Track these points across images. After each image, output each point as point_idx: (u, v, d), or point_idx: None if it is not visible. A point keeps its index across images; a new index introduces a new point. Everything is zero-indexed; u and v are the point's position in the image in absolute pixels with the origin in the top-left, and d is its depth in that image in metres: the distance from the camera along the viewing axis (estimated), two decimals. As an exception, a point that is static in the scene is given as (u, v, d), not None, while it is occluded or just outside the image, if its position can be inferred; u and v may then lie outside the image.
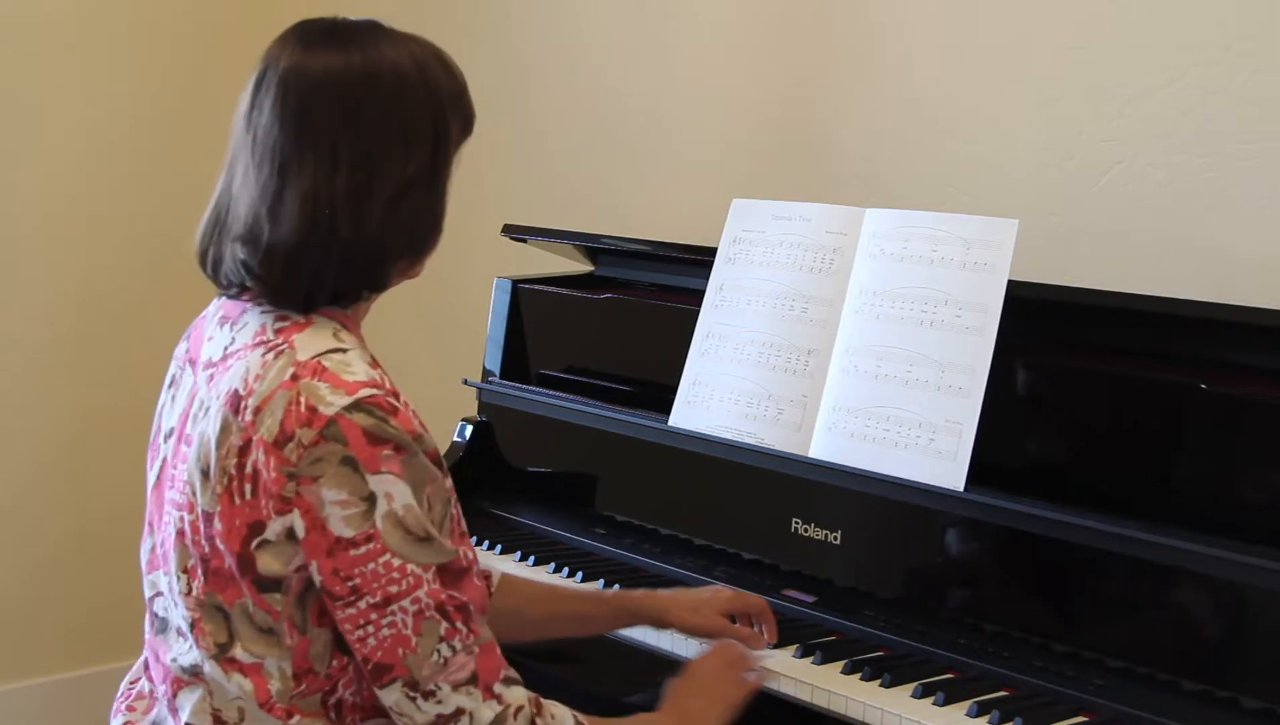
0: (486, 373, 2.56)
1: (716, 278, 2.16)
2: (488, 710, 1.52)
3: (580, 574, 2.16)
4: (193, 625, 1.56)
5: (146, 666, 1.71)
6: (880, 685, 1.77)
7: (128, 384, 3.44)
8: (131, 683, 1.75)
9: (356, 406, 1.48)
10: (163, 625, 1.63)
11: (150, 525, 1.66)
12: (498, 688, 1.54)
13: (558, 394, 2.39)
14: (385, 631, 1.49)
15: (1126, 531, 1.70)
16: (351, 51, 1.55)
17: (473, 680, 1.52)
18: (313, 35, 1.57)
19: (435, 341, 3.32)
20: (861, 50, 2.60)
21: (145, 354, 3.40)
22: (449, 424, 2.49)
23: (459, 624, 1.52)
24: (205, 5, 3.52)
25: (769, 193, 2.31)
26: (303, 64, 1.54)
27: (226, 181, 1.59)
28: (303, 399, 1.49)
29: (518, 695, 1.55)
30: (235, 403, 1.52)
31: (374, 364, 1.55)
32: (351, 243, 1.53)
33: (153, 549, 1.65)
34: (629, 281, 2.53)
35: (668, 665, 1.86)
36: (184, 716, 1.58)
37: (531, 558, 2.22)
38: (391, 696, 1.52)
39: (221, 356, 1.58)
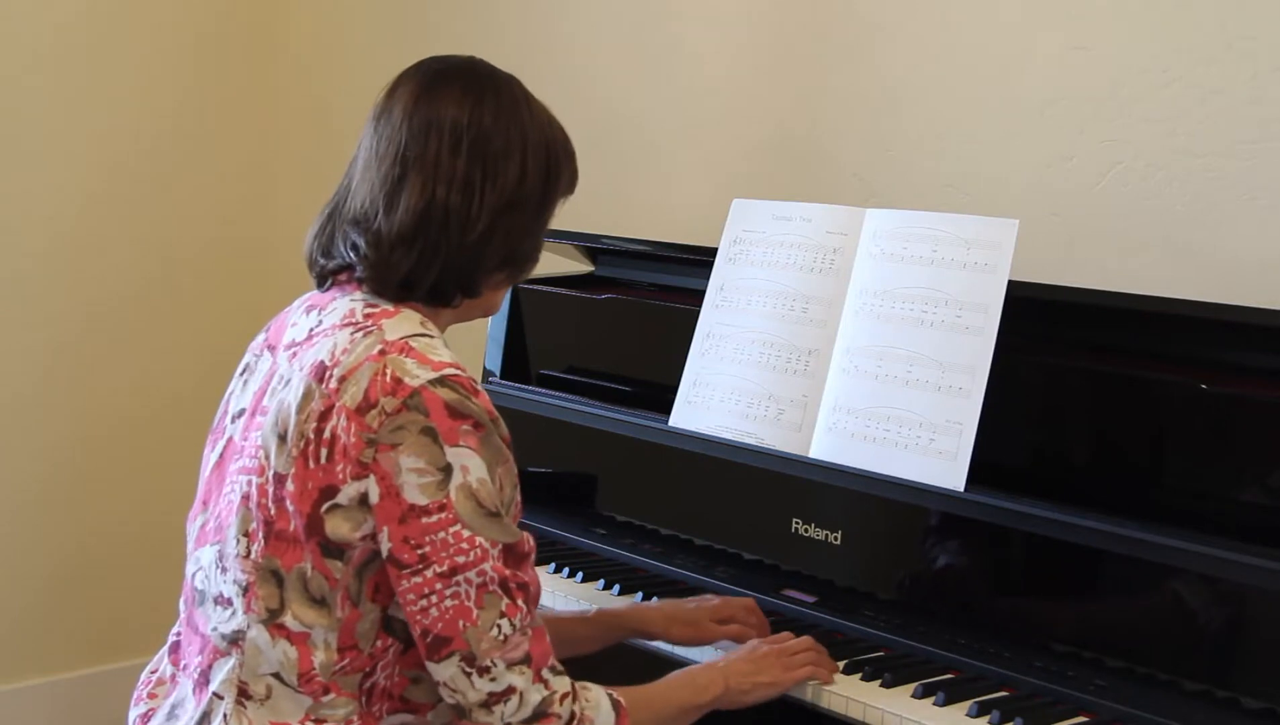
0: (487, 372, 2.56)
1: (717, 278, 2.16)
2: (536, 693, 1.56)
3: (580, 574, 2.16)
4: (246, 589, 1.58)
5: (173, 650, 1.73)
6: (880, 685, 1.77)
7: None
8: (152, 672, 1.77)
9: (441, 381, 1.53)
10: (201, 598, 1.65)
11: (204, 503, 1.69)
12: (546, 673, 1.58)
13: (558, 394, 2.39)
14: (448, 603, 1.53)
15: (1126, 531, 1.70)
16: (484, 83, 1.65)
17: (526, 661, 1.56)
18: (448, 66, 1.67)
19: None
20: (861, 51, 2.60)
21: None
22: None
23: (520, 602, 1.55)
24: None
25: (769, 193, 2.31)
26: (436, 85, 1.63)
27: (346, 181, 1.68)
28: (389, 371, 1.54)
29: (564, 683, 1.59)
30: (320, 372, 1.57)
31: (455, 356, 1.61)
32: (456, 239, 1.60)
33: (203, 525, 1.68)
34: (629, 281, 2.53)
35: (667, 664, 1.86)
36: (212, 688, 1.60)
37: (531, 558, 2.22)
38: (447, 671, 1.55)
39: (306, 336, 1.64)
